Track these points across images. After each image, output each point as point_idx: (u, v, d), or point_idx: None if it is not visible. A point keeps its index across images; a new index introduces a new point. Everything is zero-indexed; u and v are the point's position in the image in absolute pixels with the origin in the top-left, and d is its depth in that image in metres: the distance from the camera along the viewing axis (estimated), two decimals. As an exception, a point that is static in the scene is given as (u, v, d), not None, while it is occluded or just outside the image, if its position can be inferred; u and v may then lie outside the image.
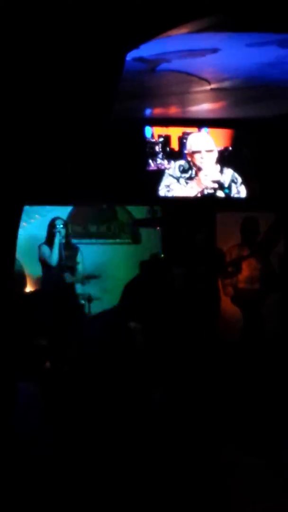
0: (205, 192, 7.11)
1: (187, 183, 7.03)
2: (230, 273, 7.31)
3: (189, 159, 7.04)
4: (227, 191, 7.10)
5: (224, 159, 7.11)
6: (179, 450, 2.17)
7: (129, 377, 3.61)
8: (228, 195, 7.14)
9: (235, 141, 7.11)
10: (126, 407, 3.34)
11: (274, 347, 6.65)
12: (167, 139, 6.98)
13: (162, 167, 6.99)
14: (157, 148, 6.94)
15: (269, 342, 6.96)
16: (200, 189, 7.10)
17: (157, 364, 4.24)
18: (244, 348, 7.00)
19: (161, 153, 6.96)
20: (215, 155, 7.11)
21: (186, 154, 7.04)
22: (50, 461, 2.68)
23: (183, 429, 2.20)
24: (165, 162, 6.98)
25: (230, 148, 7.10)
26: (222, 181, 7.13)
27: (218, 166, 7.11)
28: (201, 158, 7.03)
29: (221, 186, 7.10)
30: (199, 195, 7.11)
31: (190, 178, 7.05)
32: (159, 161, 6.96)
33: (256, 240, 7.42)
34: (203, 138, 7.08)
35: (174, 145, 7.01)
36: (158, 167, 6.98)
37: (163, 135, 6.96)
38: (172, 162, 6.98)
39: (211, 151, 7.07)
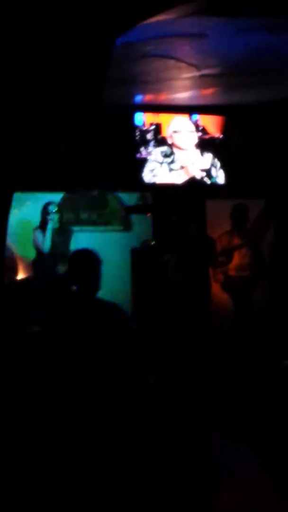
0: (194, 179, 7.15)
1: (170, 168, 7.05)
2: (220, 260, 7.35)
3: (170, 141, 7.05)
4: (214, 180, 7.13)
5: (215, 146, 7.13)
6: (173, 434, 2.21)
7: (124, 363, 3.64)
8: (215, 184, 7.16)
9: (225, 127, 7.13)
10: (121, 393, 3.38)
11: (264, 333, 6.70)
12: (158, 127, 7.01)
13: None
14: (149, 136, 6.96)
15: (258, 329, 7.01)
16: (187, 177, 7.12)
17: (151, 350, 4.27)
18: (234, 334, 7.05)
19: (153, 141, 6.99)
20: (194, 137, 7.12)
21: (169, 137, 7.04)
22: (47, 452, 2.70)
23: (178, 413, 2.23)
24: (164, 148, 7.01)
25: (221, 135, 7.13)
26: (209, 169, 7.16)
27: (198, 151, 7.12)
28: (180, 137, 7.05)
29: (208, 175, 7.13)
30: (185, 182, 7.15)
31: (172, 162, 7.07)
32: (150, 148, 6.99)
33: (245, 227, 7.46)
34: (184, 120, 7.11)
35: (165, 132, 7.05)
36: (149, 154, 7.01)
37: (155, 123, 6.99)
38: (156, 148, 7.00)
39: (190, 132, 7.08)
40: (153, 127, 6.99)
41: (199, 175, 7.13)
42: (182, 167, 7.07)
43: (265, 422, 3.20)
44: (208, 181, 7.14)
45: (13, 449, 2.70)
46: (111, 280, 7.49)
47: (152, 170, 6.99)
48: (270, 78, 5.83)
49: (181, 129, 7.02)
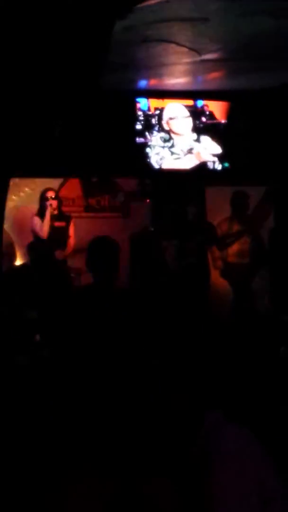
0: (206, 164, 7.05)
1: (171, 152, 6.96)
2: (220, 246, 7.33)
3: (167, 127, 6.95)
4: (227, 164, 7.05)
5: (217, 131, 7.05)
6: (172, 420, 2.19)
7: (128, 349, 3.62)
8: (227, 168, 7.07)
9: (229, 113, 7.04)
10: (125, 378, 3.35)
11: (263, 320, 6.69)
12: (162, 112, 6.91)
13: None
14: (153, 121, 6.87)
15: (258, 315, 7.00)
16: (198, 162, 7.04)
17: (153, 336, 4.26)
18: (234, 321, 7.04)
19: (157, 126, 6.89)
20: (190, 122, 7.03)
21: (165, 123, 6.95)
22: (47, 434, 2.68)
23: (179, 394, 2.22)
24: (162, 134, 6.92)
25: (225, 121, 7.04)
26: (220, 153, 7.07)
27: (195, 135, 7.04)
28: (176, 123, 6.96)
29: (220, 159, 7.05)
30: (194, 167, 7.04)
31: (172, 147, 6.97)
32: (155, 133, 6.89)
33: (246, 214, 7.43)
34: (179, 106, 7.01)
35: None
36: (150, 140, 6.91)
37: (160, 108, 6.89)
38: (155, 133, 6.91)
39: (186, 117, 6.99)
40: (158, 111, 6.88)
41: (210, 159, 7.03)
42: (190, 152, 6.98)
43: (263, 406, 3.19)
44: (220, 166, 7.04)
45: (15, 446, 2.69)
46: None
47: (157, 154, 6.90)
48: (273, 63, 5.74)
49: (177, 115, 6.94)
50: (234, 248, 7.37)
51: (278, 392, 3.75)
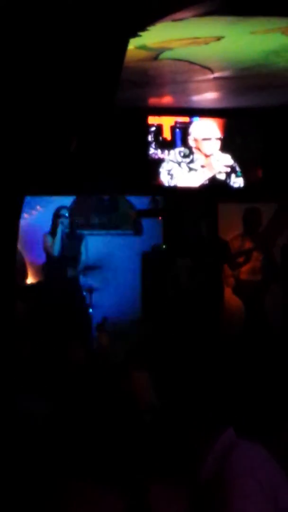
0: (217, 176, 7.03)
1: (189, 168, 6.94)
2: (232, 264, 7.30)
3: (195, 145, 6.93)
4: (240, 174, 7.03)
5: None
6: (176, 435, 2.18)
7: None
8: (231, 186, 7.06)
9: (236, 130, 7.05)
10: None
11: (276, 337, 6.65)
12: (159, 129, 6.89)
13: (156, 157, 6.90)
14: (149, 138, 6.85)
15: (270, 333, 6.96)
16: (211, 174, 7.02)
17: (161, 354, 4.24)
18: (246, 338, 7.00)
19: (153, 143, 6.86)
20: (219, 143, 7.04)
21: (192, 140, 6.92)
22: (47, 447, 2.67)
23: (183, 415, 2.20)
24: (158, 151, 6.89)
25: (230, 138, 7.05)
26: (233, 165, 7.05)
27: (220, 153, 7.04)
28: (211, 145, 6.94)
29: (233, 170, 7.03)
30: (206, 181, 7.02)
31: (192, 162, 6.96)
32: (151, 150, 6.87)
33: (258, 231, 7.41)
34: (212, 126, 7.01)
35: (167, 134, 6.90)
36: (151, 156, 6.89)
37: (155, 124, 6.88)
38: (172, 150, 6.89)
39: (219, 139, 6.99)
40: (153, 128, 6.86)
41: (223, 170, 7.01)
42: (203, 166, 6.96)
43: (275, 422, 3.16)
44: (234, 177, 7.03)
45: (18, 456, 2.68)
46: (121, 284, 7.49)
47: (169, 170, 6.88)
48: (284, 81, 5.76)
49: (211, 137, 6.92)
50: (246, 265, 7.34)
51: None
